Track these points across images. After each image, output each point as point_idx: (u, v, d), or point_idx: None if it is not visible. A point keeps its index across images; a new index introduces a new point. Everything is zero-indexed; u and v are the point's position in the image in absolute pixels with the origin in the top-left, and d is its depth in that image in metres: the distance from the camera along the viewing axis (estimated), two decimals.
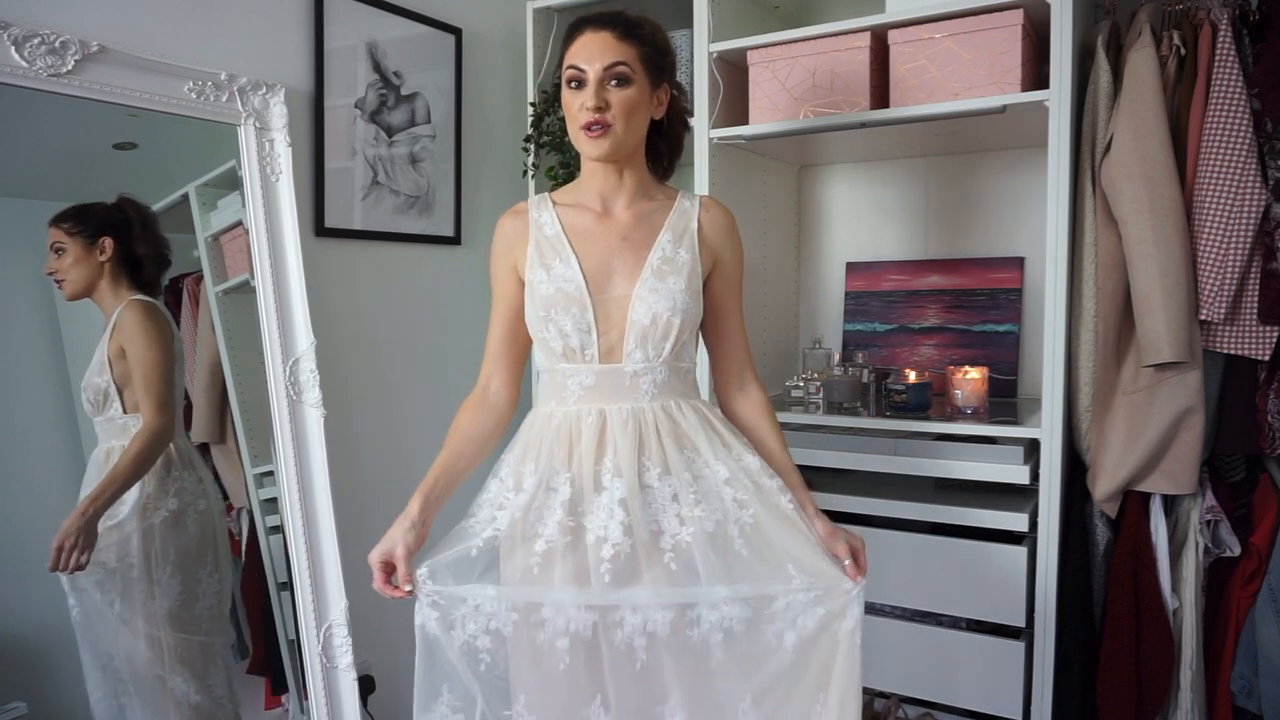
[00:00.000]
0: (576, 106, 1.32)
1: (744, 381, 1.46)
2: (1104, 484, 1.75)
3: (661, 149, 1.47)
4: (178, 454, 1.69)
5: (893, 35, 1.84)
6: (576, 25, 1.35)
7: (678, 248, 1.38)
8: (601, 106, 1.30)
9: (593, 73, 1.30)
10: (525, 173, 2.28)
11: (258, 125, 1.73)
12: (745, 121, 2.03)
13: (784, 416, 2.00)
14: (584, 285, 1.34)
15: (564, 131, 2.13)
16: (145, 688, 1.65)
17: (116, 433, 1.63)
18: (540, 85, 2.26)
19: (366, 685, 1.86)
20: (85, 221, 1.61)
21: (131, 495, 1.63)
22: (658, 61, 1.37)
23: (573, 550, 1.28)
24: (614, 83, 1.31)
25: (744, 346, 1.46)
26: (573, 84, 1.33)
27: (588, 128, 1.31)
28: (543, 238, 1.39)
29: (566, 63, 1.34)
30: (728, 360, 1.46)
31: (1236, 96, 1.66)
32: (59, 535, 1.54)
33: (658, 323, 1.33)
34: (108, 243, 1.61)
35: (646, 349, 1.34)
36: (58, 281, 1.61)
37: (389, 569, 1.30)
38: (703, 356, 1.49)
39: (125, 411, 1.63)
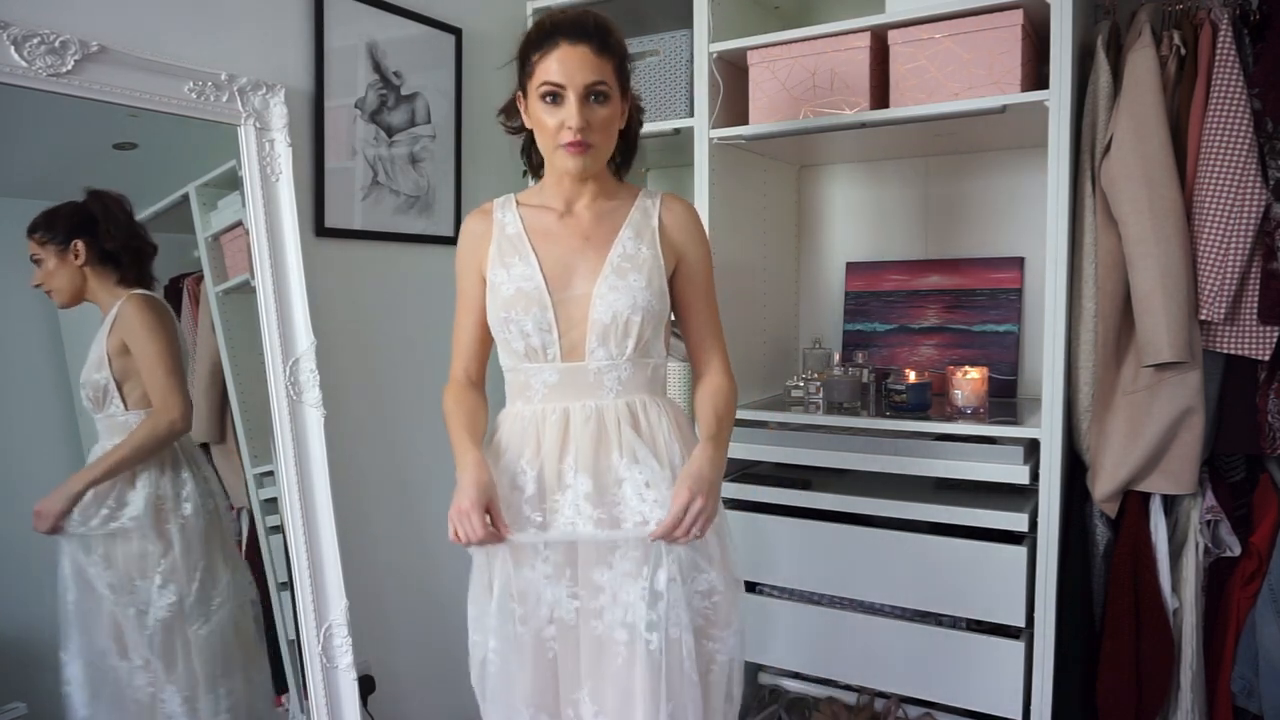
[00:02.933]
0: (555, 123, 1.31)
1: (707, 368, 1.46)
2: (1104, 484, 1.75)
3: (616, 150, 1.46)
4: (183, 453, 1.69)
5: (893, 35, 1.84)
6: (549, 33, 1.31)
7: (639, 244, 1.38)
8: (584, 126, 1.29)
9: (574, 91, 1.28)
10: (525, 173, 2.28)
11: (258, 125, 1.73)
12: (745, 121, 2.03)
13: (784, 416, 2.00)
14: (544, 285, 1.34)
15: None
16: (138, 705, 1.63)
17: (117, 430, 1.63)
18: None
19: (366, 685, 1.86)
20: (53, 228, 1.58)
21: (141, 496, 1.63)
22: (626, 71, 1.37)
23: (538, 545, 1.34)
24: (593, 99, 1.30)
25: (710, 336, 1.46)
26: (548, 98, 1.31)
27: (568, 146, 1.30)
28: (504, 237, 1.40)
29: (541, 77, 1.30)
30: (694, 350, 1.48)
31: (1237, 96, 1.66)
32: (43, 503, 1.56)
33: (618, 320, 1.34)
34: (80, 245, 1.59)
35: (609, 346, 1.35)
36: (47, 292, 1.60)
37: (485, 514, 1.29)
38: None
39: (127, 408, 1.63)
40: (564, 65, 1.28)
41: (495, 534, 1.28)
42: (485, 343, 1.45)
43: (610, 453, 1.34)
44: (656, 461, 1.34)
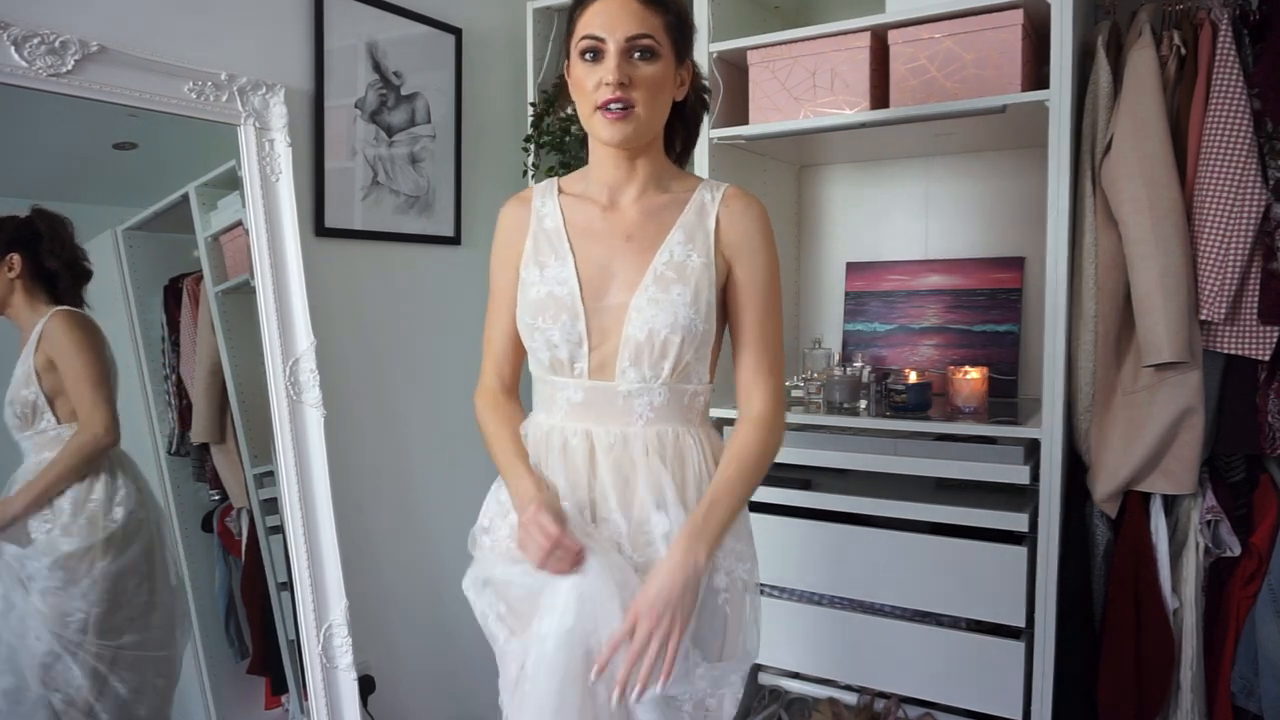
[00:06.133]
0: (593, 82, 1.15)
1: (745, 408, 1.25)
2: (1104, 484, 1.75)
3: (676, 134, 1.31)
4: (116, 462, 1.63)
5: (893, 35, 1.84)
6: None
7: (689, 251, 1.20)
8: (624, 82, 1.13)
9: (613, 43, 1.14)
10: (525, 173, 2.28)
11: (258, 125, 1.73)
12: (745, 121, 2.03)
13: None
14: (578, 290, 1.19)
15: (564, 131, 2.13)
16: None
17: (49, 444, 1.57)
18: (540, 85, 2.26)
19: (366, 685, 1.86)
20: None
21: (68, 504, 1.56)
22: (683, 33, 1.21)
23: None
24: (637, 55, 1.15)
25: (755, 367, 1.24)
26: (588, 55, 1.16)
27: (607, 107, 1.14)
28: (541, 230, 1.25)
29: (580, 31, 1.16)
30: (739, 376, 1.26)
31: (1236, 96, 1.66)
32: None
33: (654, 339, 1.17)
34: (15, 259, 1.55)
35: (642, 368, 1.18)
36: None
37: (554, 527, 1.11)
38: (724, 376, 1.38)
39: (60, 422, 1.57)
40: (603, 15, 1.14)
41: (572, 542, 1.11)
42: (521, 346, 1.30)
43: (637, 489, 1.18)
44: (683, 508, 1.18)
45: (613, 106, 1.14)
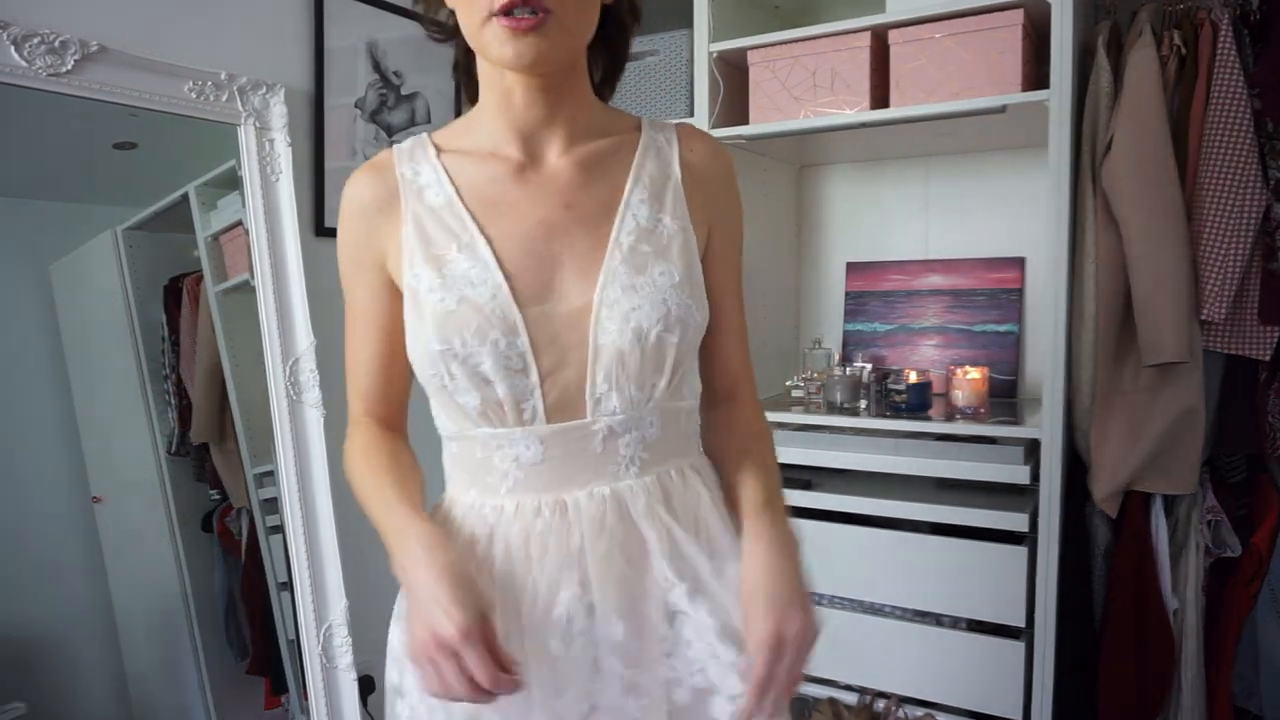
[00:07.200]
0: None
1: (733, 396, 0.95)
2: (1104, 484, 1.75)
3: (596, 55, 0.90)
4: None
5: (893, 35, 1.84)
6: None
7: (658, 212, 0.85)
8: None
9: None
10: None
11: (258, 125, 1.73)
12: (745, 121, 2.03)
13: (784, 416, 2.00)
14: (506, 291, 0.80)
15: None
16: None
17: None
18: None
19: (366, 685, 1.86)
20: None
21: None
22: None
23: None
24: None
25: (741, 349, 0.95)
26: None
27: (509, 11, 0.75)
28: (424, 210, 0.84)
29: None
30: (716, 370, 0.94)
31: (1237, 97, 1.66)
32: None
33: (644, 343, 0.81)
34: None
35: (627, 389, 0.82)
36: None
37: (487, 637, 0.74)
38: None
39: None
40: None
41: (509, 677, 0.73)
42: (398, 380, 0.92)
43: (647, 572, 0.83)
44: (719, 581, 0.83)
45: (517, 10, 0.75)
